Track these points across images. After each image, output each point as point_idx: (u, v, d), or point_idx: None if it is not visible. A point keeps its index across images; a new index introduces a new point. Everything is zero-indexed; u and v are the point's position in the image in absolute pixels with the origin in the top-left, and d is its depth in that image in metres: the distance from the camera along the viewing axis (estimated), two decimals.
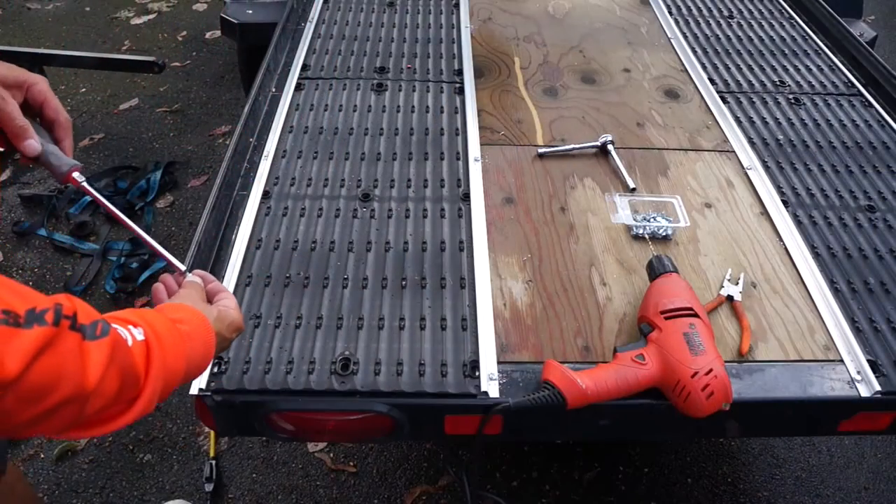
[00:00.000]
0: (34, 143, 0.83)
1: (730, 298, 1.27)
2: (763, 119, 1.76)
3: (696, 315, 1.12)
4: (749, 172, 1.58)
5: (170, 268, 0.97)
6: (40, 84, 0.86)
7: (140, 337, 0.68)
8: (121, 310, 0.75)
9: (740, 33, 2.13)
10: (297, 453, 2.00)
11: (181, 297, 0.90)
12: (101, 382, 0.60)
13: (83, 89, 3.54)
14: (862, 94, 1.87)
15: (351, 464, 1.98)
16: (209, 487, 1.89)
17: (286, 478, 1.94)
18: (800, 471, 2.02)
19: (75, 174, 0.87)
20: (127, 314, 0.72)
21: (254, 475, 1.95)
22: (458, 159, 1.56)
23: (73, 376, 0.57)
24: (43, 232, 2.68)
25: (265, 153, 1.54)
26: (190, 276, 0.95)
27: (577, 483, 1.95)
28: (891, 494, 1.98)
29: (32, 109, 0.86)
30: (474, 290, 1.25)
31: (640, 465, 2.00)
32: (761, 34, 2.13)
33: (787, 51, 2.06)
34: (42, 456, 1.98)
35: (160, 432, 2.05)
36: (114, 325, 0.65)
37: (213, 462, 1.94)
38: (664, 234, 1.40)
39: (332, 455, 1.99)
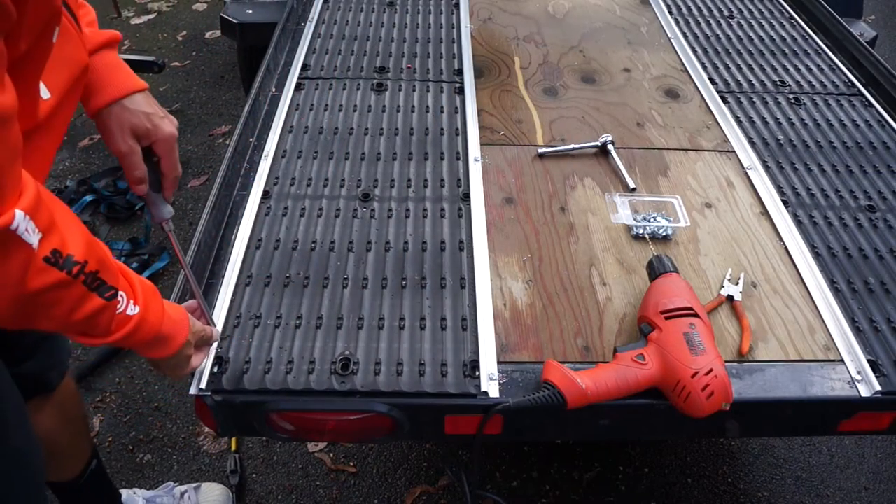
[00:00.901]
0: (144, 187, 1.03)
1: (730, 298, 1.27)
2: (763, 119, 1.76)
3: (696, 315, 1.12)
4: (749, 172, 1.58)
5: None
6: (166, 142, 1.02)
7: (130, 312, 0.85)
8: (147, 281, 0.91)
9: (740, 33, 2.13)
10: (296, 453, 2.00)
11: (193, 321, 1.02)
12: (80, 323, 0.80)
13: None
14: (862, 94, 1.87)
15: (351, 464, 1.98)
16: (234, 480, 1.90)
17: (286, 478, 1.94)
18: (800, 471, 2.02)
19: (167, 224, 1.09)
20: (144, 292, 0.88)
21: (253, 475, 1.95)
22: (458, 159, 1.56)
23: (63, 310, 0.78)
24: None
25: (265, 153, 1.54)
26: (212, 329, 1.09)
27: (577, 483, 1.95)
28: (891, 494, 1.98)
29: (152, 156, 1.03)
30: (474, 290, 1.25)
31: (640, 465, 2.00)
32: (761, 34, 2.13)
33: (787, 51, 2.06)
34: None
35: (160, 432, 2.05)
36: (120, 294, 0.83)
37: (237, 455, 1.96)
38: (664, 233, 1.40)
39: (331, 455, 1.99)
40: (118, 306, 0.83)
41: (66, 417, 1.47)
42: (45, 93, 0.83)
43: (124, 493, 1.75)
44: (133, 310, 0.86)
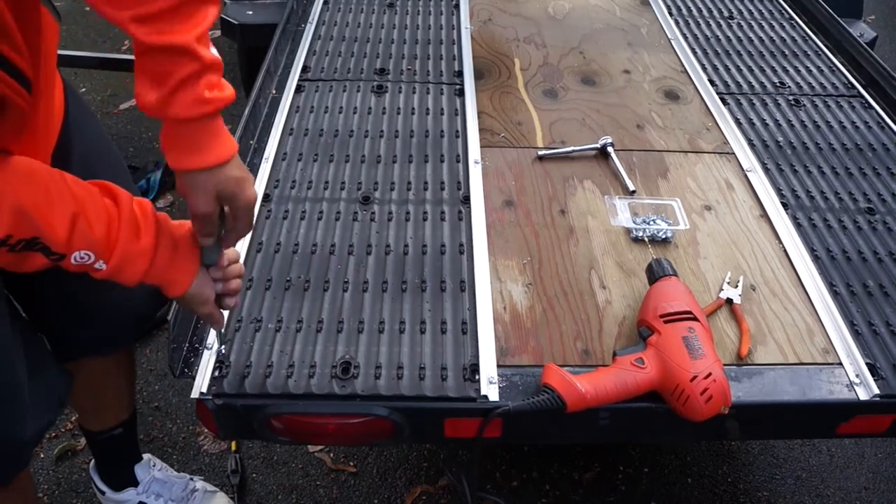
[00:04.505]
0: (209, 241, 0.99)
1: (729, 301, 1.28)
2: (763, 121, 1.76)
3: (695, 319, 1.13)
4: (749, 174, 1.58)
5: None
6: (247, 208, 0.97)
7: (98, 267, 0.90)
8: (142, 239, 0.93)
9: (740, 34, 2.13)
10: (297, 453, 2.01)
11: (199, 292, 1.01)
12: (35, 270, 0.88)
13: (83, 89, 3.55)
14: (862, 96, 1.87)
15: (351, 464, 1.98)
16: (235, 480, 1.90)
17: (286, 478, 1.95)
18: (800, 471, 2.02)
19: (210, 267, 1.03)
20: (123, 255, 0.91)
21: (254, 475, 1.95)
22: (458, 162, 1.56)
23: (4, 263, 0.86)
24: None
25: (266, 156, 1.55)
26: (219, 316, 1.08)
27: (577, 483, 1.95)
28: (891, 494, 1.98)
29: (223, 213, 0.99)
30: (474, 294, 1.26)
31: (640, 465, 2.00)
32: (761, 35, 2.14)
33: (787, 52, 2.06)
34: (42, 456, 1.98)
35: (160, 432, 2.05)
36: (76, 256, 0.88)
37: (238, 455, 1.96)
38: (664, 236, 1.40)
39: (332, 455, 2.00)
40: (74, 260, 0.88)
41: (89, 387, 1.53)
42: None
43: (146, 457, 1.78)
44: (100, 265, 0.90)
